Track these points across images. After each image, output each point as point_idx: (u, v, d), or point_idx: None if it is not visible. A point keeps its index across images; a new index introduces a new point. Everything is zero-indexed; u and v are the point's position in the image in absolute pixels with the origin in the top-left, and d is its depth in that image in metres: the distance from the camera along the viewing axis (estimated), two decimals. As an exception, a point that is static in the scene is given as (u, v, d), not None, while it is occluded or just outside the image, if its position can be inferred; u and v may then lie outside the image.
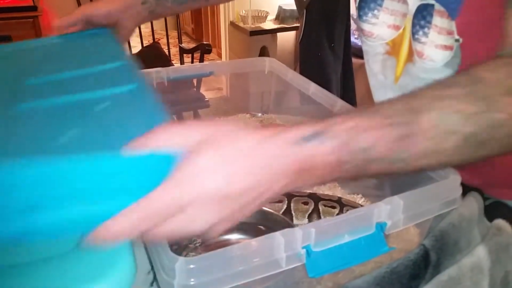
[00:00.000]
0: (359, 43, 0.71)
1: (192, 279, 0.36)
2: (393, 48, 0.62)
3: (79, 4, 2.14)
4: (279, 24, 2.75)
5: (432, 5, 0.55)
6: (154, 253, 0.39)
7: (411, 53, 0.59)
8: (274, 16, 2.87)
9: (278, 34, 2.73)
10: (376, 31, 0.63)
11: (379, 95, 0.70)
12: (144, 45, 2.40)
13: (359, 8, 0.65)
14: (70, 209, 0.29)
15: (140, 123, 0.38)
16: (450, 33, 0.54)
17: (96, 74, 0.52)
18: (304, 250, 0.40)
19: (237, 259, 0.37)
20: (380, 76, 0.66)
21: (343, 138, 0.32)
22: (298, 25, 1.80)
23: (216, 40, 3.66)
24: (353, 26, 1.61)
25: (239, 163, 0.30)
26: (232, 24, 2.95)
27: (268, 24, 2.79)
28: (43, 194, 0.28)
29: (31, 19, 2.02)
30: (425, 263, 0.53)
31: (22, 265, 0.36)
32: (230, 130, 0.32)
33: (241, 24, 2.83)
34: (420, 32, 0.57)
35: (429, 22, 0.56)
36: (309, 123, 0.33)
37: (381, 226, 0.43)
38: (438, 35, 0.55)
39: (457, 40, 0.54)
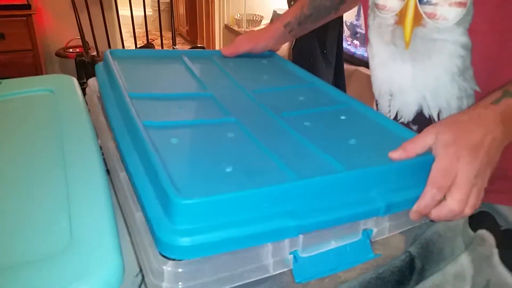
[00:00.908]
0: (352, 49, 0.73)
1: (180, 283, 0.36)
2: (401, 17, 0.64)
3: (74, 8, 2.14)
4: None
5: None
6: (143, 255, 0.39)
7: (418, 17, 0.62)
8: (268, 21, 2.88)
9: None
10: (388, 3, 0.66)
11: (384, 72, 0.72)
12: (138, 46, 2.39)
13: None
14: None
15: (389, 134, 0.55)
16: None
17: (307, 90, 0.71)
18: (292, 255, 0.41)
19: (225, 263, 0.38)
20: (392, 46, 0.68)
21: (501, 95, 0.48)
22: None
23: (210, 43, 3.66)
24: (345, 32, 1.62)
25: (473, 136, 0.45)
26: (226, 27, 2.96)
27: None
28: None
29: (25, 17, 2.01)
30: (410, 269, 0.54)
31: (8, 266, 0.37)
32: (453, 122, 0.47)
33: (235, 28, 2.84)
34: None
35: None
36: (494, 91, 0.49)
37: (367, 233, 0.44)
38: None
39: None
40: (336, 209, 0.41)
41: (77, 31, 2.31)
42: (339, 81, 1.60)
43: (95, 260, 0.38)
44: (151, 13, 3.97)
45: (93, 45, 2.31)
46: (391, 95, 0.72)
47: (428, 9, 0.60)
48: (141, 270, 0.47)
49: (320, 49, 1.48)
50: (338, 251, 0.43)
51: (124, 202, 0.47)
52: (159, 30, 2.40)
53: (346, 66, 1.91)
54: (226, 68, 0.76)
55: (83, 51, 2.26)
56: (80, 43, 2.35)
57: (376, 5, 0.69)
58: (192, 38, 4.27)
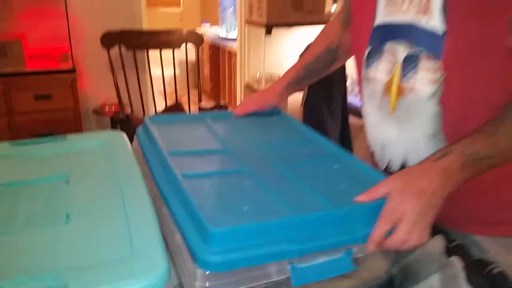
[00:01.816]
0: (360, 104, 0.90)
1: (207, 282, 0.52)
2: (387, 88, 0.80)
3: (112, 71, 2.42)
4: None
5: (420, 51, 0.73)
6: (184, 269, 0.54)
7: (401, 90, 0.77)
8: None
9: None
10: (377, 76, 0.82)
11: (376, 130, 0.87)
12: (168, 105, 2.63)
13: (367, 60, 0.84)
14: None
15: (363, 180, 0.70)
16: (436, 70, 0.71)
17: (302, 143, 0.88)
18: (290, 265, 0.55)
19: (243, 272, 0.54)
20: (380, 111, 0.83)
21: (460, 151, 0.62)
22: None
23: (232, 100, 3.92)
24: (356, 88, 1.81)
25: (418, 185, 0.60)
26: (247, 85, 3.21)
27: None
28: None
29: (70, 80, 2.29)
30: (390, 286, 0.67)
31: (89, 265, 0.52)
32: (405, 173, 0.63)
33: (255, 86, 3.08)
34: (410, 73, 0.75)
35: (417, 64, 0.74)
36: (441, 149, 0.64)
37: (349, 252, 0.59)
38: (427, 73, 0.72)
39: (442, 75, 0.71)
40: (326, 237, 0.56)
41: (112, 90, 2.58)
42: (345, 134, 1.78)
43: (149, 266, 0.53)
44: (178, 73, 4.29)
45: (127, 103, 2.57)
46: (382, 149, 0.87)
47: (409, 84, 0.75)
48: (179, 282, 0.62)
49: (327, 107, 1.67)
50: (326, 264, 0.57)
51: (167, 229, 0.63)
52: (186, 88, 2.64)
53: (355, 121, 2.08)
54: (241, 126, 0.95)
55: (119, 109, 2.52)
56: (114, 101, 2.61)
57: (367, 77, 0.86)
58: (215, 95, 4.56)
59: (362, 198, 0.62)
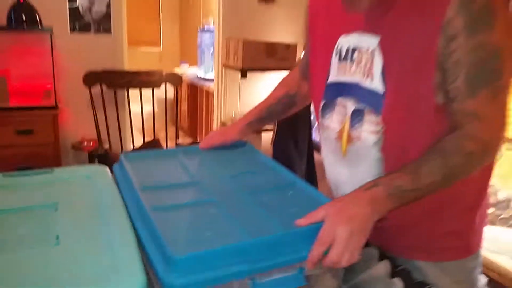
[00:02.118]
0: None
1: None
2: (339, 136, 0.93)
3: (93, 108, 2.51)
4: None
5: (365, 107, 0.87)
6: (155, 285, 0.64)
7: (350, 138, 0.90)
8: (260, 118, 3.28)
9: (262, 134, 3.12)
10: (331, 125, 0.95)
11: (332, 170, 1.00)
12: (146, 141, 2.72)
13: (322, 111, 0.98)
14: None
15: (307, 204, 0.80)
16: (377, 123, 0.85)
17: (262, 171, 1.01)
18: (251, 281, 0.66)
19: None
20: (334, 154, 0.96)
21: (387, 184, 0.73)
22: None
23: (208, 136, 4.03)
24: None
25: (349, 211, 0.71)
26: (223, 123, 3.35)
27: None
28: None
29: (51, 116, 2.38)
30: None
31: (81, 279, 0.61)
32: (339, 200, 0.74)
33: (230, 124, 3.22)
34: (357, 124, 0.89)
35: (363, 117, 0.88)
36: (371, 181, 0.75)
37: (301, 269, 0.69)
38: (370, 125, 0.86)
39: (382, 128, 0.85)
40: (278, 256, 0.67)
41: (91, 126, 2.66)
42: (310, 169, 1.93)
43: (129, 283, 0.62)
44: (157, 110, 4.41)
45: (106, 139, 2.65)
46: (336, 187, 1.00)
47: (356, 133, 0.89)
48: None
49: (294, 144, 1.82)
50: (282, 279, 0.67)
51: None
52: (164, 125, 2.75)
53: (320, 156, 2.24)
54: (210, 159, 1.07)
55: (97, 144, 2.59)
56: (93, 137, 2.69)
57: (323, 123, 0.99)
58: (192, 132, 4.68)
59: (301, 222, 0.72)
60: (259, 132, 2.98)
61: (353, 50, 0.88)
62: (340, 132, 0.93)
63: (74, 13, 2.68)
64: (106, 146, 2.64)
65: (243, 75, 2.96)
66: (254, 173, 0.99)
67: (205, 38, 4.58)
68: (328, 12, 0.95)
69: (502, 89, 0.76)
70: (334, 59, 0.93)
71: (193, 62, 5.25)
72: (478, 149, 0.77)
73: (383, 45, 0.82)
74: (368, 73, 0.85)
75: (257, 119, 1.16)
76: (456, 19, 0.73)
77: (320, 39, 0.98)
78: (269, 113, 1.17)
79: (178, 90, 2.90)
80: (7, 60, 2.48)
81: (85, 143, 2.70)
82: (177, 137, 2.84)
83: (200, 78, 4.49)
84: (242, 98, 3.25)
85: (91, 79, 2.58)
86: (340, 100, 0.92)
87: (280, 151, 1.84)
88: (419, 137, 0.82)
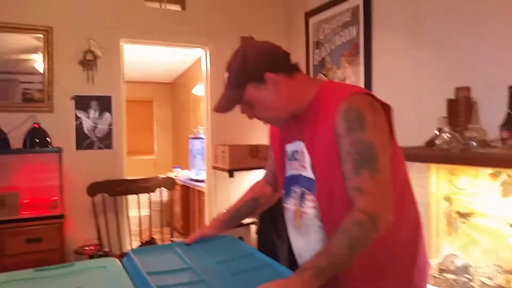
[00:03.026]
0: None
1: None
2: (295, 214, 1.23)
3: (95, 215, 2.78)
4: (252, 219, 3.40)
5: (305, 190, 1.17)
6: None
7: (300, 214, 1.20)
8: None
9: (251, 226, 3.36)
10: (290, 207, 1.25)
11: (294, 241, 1.27)
12: (143, 240, 2.95)
13: (284, 198, 1.29)
14: None
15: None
16: (314, 201, 1.14)
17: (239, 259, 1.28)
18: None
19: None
20: (293, 230, 1.26)
21: (313, 266, 0.95)
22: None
23: (202, 235, 4.22)
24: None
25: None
26: (215, 221, 3.59)
27: (245, 220, 3.45)
28: None
29: (58, 224, 2.63)
30: None
31: None
32: (278, 282, 0.97)
33: (222, 221, 3.47)
34: (303, 203, 1.17)
35: (305, 198, 1.16)
36: (302, 265, 0.99)
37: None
38: (310, 203, 1.15)
39: (317, 204, 1.13)
40: None
41: (92, 231, 2.90)
42: (292, 253, 2.17)
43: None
44: (152, 213, 4.66)
45: (106, 242, 2.87)
46: (299, 256, 1.27)
47: (303, 210, 1.19)
48: None
49: (275, 232, 2.08)
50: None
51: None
52: (160, 226, 3.00)
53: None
54: (201, 250, 1.35)
55: (98, 248, 2.81)
56: (94, 241, 2.92)
57: (285, 207, 1.30)
58: (186, 231, 4.88)
59: None
60: (240, 226, 3.23)
61: (295, 152, 1.21)
62: (296, 211, 1.23)
63: (80, 134, 3.07)
64: (106, 249, 2.86)
65: (231, 175, 3.30)
66: (236, 259, 1.28)
67: (196, 145, 5.02)
68: (279, 131, 1.31)
69: (380, 171, 1.01)
70: (286, 160, 1.27)
71: (185, 166, 5.64)
72: (366, 218, 0.97)
73: (307, 147, 1.15)
74: (303, 167, 1.17)
75: (228, 219, 1.48)
76: (340, 124, 1.05)
77: (277, 150, 1.33)
78: (238, 213, 1.49)
79: (172, 192, 3.20)
80: (20, 177, 2.80)
81: (86, 248, 2.91)
82: (172, 236, 3.08)
83: (192, 180, 4.83)
84: (231, 196, 3.55)
85: (94, 189, 2.89)
86: (293, 188, 1.24)
87: (264, 240, 2.09)
88: (343, 207, 1.06)
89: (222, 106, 1.18)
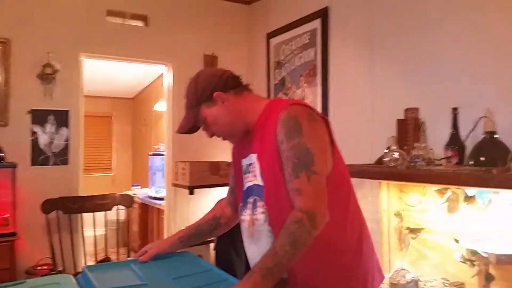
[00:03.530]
0: None
1: None
2: (249, 223, 1.27)
3: (49, 233, 2.69)
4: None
5: (256, 199, 1.24)
6: None
7: (253, 221, 1.25)
8: (209, 231, 3.54)
9: (210, 244, 3.35)
10: (245, 218, 1.30)
11: (247, 250, 1.32)
12: (98, 260, 2.87)
13: (241, 210, 1.33)
14: None
15: None
16: (263, 206, 1.21)
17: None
18: None
19: None
20: (247, 239, 1.31)
21: (259, 268, 1.02)
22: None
23: (160, 253, 4.15)
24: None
25: None
26: (174, 239, 3.56)
27: (204, 238, 3.45)
28: None
29: (9, 243, 2.52)
30: None
31: None
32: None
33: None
34: (255, 210, 1.24)
35: (257, 204, 1.23)
36: (252, 269, 1.04)
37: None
38: (260, 208, 1.22)
39: (265, 209, 1.20)
40: None
41: (46, 250, 2.80)
42: (249, 268, 2.21)
43: None
44: (109, 232, 4.53)
45: (60, 262, 2.78)
46: (251, 262, 1.30)
47: (255, 216, 1.25)
48: None
49: (233, 249, 2.11)
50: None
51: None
52: (116, 246, 2.94)
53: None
54: (156, 266, 1.35)
55: (51, 268, 2.72)
56: (47, 261, 2.82)
57: (242, 219, 1.34)
58: (145, 250, 4.77)
59: None
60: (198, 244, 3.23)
61: (249, 165, 1.29)
62: (249, 220, 1.29)
63: (36, 149, 2.98)
64: (60, 268, 2.76)
65: (191, 192, 3.30)
66: (193, 275, 1.29)
67: (156, 161, 4.97)
68: (237, 149, 1.39)
69: (316, 173, 1.10)
70: (243, 174, 1.33)
71: (144, 184, 5.55)
72: (304, 216, 1.05)
73: (258, 158, 1.24)
74: (255, 177, 1.25)
75: (187, 236, 1.49)
76: (280, 131, 1.15)
77: (236, 166, 1.39)
78: (198, 231, 1.51)
79: (130, 210, 3.15)
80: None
81: (39, 267, 2.80)
82: (128, 256, 3.02)
83: (151, 197, 4.76)
84: (190, 213, 3.54)
85: (48, 206, 2.81)
86: (248, 200, 1.30)
87: (222, 257, 2.11)
88: (289, 210, 1.11)
89: (183, 127, 1.30)
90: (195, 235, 1.49)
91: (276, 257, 1.03)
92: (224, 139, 1.33)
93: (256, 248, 1.26)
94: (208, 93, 1.25)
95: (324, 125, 1.23)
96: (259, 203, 1.24)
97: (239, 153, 1.36)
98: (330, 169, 1.20)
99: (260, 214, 1.23)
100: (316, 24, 3.09)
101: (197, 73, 1.33)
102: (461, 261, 1.90)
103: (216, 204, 1.57)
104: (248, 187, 1.30)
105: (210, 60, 3.74)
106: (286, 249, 1.03)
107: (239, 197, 1.37)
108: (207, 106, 1.26)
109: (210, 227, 1.50)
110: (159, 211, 4.33)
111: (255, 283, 1.00)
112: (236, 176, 1.40)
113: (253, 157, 1.26)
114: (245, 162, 1.31)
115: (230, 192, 1.51)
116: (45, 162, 3.00)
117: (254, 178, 1.26)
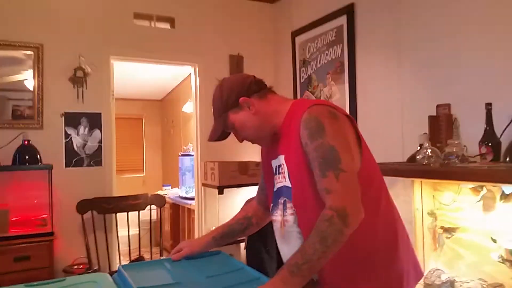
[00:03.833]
0: None
1: None
2: (281, 224, 1.28)
3: (84, 233, 2.78)
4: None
5: (285, 200, 1.25)
6: None
7: (284, 222, 1.26)
8: (238, 230, 3.56)
9: (240, 244, 3.37)
10: (277, 218, 1.31)
11: (281, 249, 1.33)
12: (132, 259, 2.94)
13: (272, 210, 1.35)
14: None
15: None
16: (292, 208, 1.22)
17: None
18: None
19: None
20: (279, 239, 1.31)
21: (288, 265, 1.05)
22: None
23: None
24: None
25: None
26: (204, 238, 3.60)
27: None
28: None
29: (47, 242, 2.61)
30: None
31: None
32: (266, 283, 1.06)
33: (211, 238, 3.48)
34: (285, 211, 1.25)
35: (287, 206, 1.24)
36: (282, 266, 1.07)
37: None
38: (290, 210, 1.23)
39: (294, 210, 1.21)
40: None
41: (82, 250, 2.89)
42: (279, 267, 2.21)
43: None
44: (142, 231, 4.63)
45: (95, 261, 2.86)
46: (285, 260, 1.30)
47: (286, 218, 1.26)
48: None
49: (264, 248, 2.11)
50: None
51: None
52: (149, 246, 3.00)
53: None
54: (189, 266, 1.37)
55: (87, 267, 2.80)
56: (83, 260, 2.91)
57: (273, 220, 1.35)
58: (176, 249, 4.85)
59: None
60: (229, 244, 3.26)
61: (278, 166, 1.30)
62: (280, 221, 1.30)
63: (70, 151, 3.08)
64: (95, 267, 2.84)
65: (220, 192, 3.32)
66: (226, 273, 1.30)
67: (185, 162, 5.04)
68: (266, 150, 1.41)
69: (344, 170, 1.09)
70: (274, 175, 1.34)
71: (174, 184, 5.64)
72: (334, 214, 1.04)
73: (286, 159, 1.25)
74: (284, 177, 1.27)
75: (220, 235, 1.51)
76: (303, 133, 1.15)
77: (266, 167, 1.41)
78: (230, 230, 1.52)
79: (162, 210, 3.20)
80: (10, 194, 2.79)
81: (76, 266, 2.89)
82: (161, 256, 3.07)
83: (182, 197, 4.83)
84: (220, 213, 3.57)
85: (83, 207, 2.90)
86: (279, 200, 1.31)
87: (253, 256, 2.12)
88: (317, 212, 1.10)
89: (213, 135, 1.33)
90: (228, 235, 1.51)
91: (305, 255, 1.04)
92: (254, 143, 1.35)
93: (287, 248, 1.27)
94: (233, 99, 1.28)
95: (348, 122, 1.22)
96: (289, 205, 1.25)
97: (268, 154, 1.38)
98: (358, 167, 1.18)
99: (290, 216, 1.24)
100: (342, 20, 3.05)
101: (220, 81, 1.35)
102: (499, 261, 1.84)
103: (245, 204, 1.58)
104: (278, 188, 1.31)
105: (236, 60, 3.76)
106: (316, 247, 1.03)
107: (270, 197, 1.38)
108: (234, 112, 1.29)
109: (241, 226, 1.52)
110: (190, 211, 4.38)
111: (283, 279, 1.02)
112: (265, 176, 1.42)
113: (281, 159, 1.27)
114: (274, 163, 1.33)
115: (260, 192, 1.52)
116: (79, 164, 3.10)
117: (283, 180, 1.27)
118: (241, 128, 1.30)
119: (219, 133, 1.31)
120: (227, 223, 1.53)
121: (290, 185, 1.24)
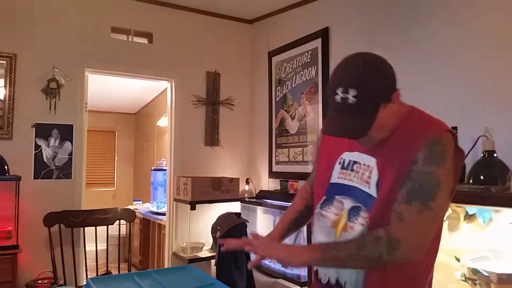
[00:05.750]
0: (272, 265, 1.34)
1: None
2: (335, 224, 1.16)
3: (51, 247, 2.69)
4: (213, 252, 3.40)
5: (359, 207, 1.11)
6: None
7: (345, 227, 1.12)
8: (209, 246, 3.54)
9: (211, 260, 3.34)
10: (328, 215, 1.19)
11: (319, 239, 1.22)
12: (100, 274, 2.87)
13: (322, 204, 1.22)
14: None
15: None
16: (365, 218, 1.09)
17: None
18: None
19: None
20: (325, 238, 1.18)
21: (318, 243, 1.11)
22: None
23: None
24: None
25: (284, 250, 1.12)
26: (174, 254, 3.55)
27: (204, 253, 3.44)
28: None
29: (11, 255, 2.52)
30: None
31: None
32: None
33: (181, 254, 3.44)
34: (354, 218, 1.11)
35: (358, 214, 1.10)
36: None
37: None
38: (362, 219, 1.09)
39: (367, 222, 1.08)
40: None
41: (47, 264, 2.81)
42: (249, 283, 2.21)
43: None
44: (104, 247, 4.52)
45: (61, 275, 2.77)
46: (324, 268, 1.20)
47: (351, 224, 1.12)
48: None
49: (234, 265, 2.12)
50: None
51: None
52: (117, 261, 2.94)
53: (267, 278, 2.51)
54: (159, 279, 1.37)
55: (52, 281, 2.71)
56: (48, 274, 2.82)
57: (321, 213, 1.24)
58: (144, 266, 4.75)
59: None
60: (200, 260, 3.22)
61: (354, 163, 1.18)
62: (336, 221, 1.17)
63: (39, 162, 3.01)
64: (61, 282, 2.76)
65: (193, 207, 3.30)
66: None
67: (158, 176, 4.99)
68: (332, 137, 1.16)
69: (431, 209, 1.00)
70: (337, 166, 1.23)
71: (145, 199, 5.56)
72: (385, 237, 0.99)
73: (378, 165, 1.11)
74: (367, 182, 1.13)
75: (285, 230, 1.38)
76: (422, 152, 1.03)
77: (326, 152, 1.30)
78: (294, 224, 1.40)
79: (132, 225, 3.15)
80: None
81: (40, 281, 2.80)
82: (129, 271, 3.01)
83: (153, 212, 4.76)
84: (192, 229, 3.54)
85: (50, 219, 2.82)
86: (338, 198, 1.19)
87: (222, 271, 2.11)
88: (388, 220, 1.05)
89: (355, 131, 1.05)
90: (291, 230, 1.39)
91: (338, 245, 1.05)
92: (361, 144, 1.16)
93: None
94: (392, 91, 1.05)
95: (462, 160, 1.12)
96: (363, 214, 1.11)
97: (337, 143, 1.23)
98: (446, 210, 1.10)
99: (359, 225, 1.11)
100: (317, 43, 3.15)
101: (372, 55, 1.10)
102: (462, 280, 1.90)
103: (301, 192, 1.45)
104: (341, 184, 1.20)
105: (213, 77, 3.80)
106: (350, 247, 1.02)
107: (320, 186, 1.27)
108: (383, 106, 1.04)
109: (304, 218, 1.40)
110: (161, 226, 4.32)
111: (311, 249, 1.07)
112: (321, 162, 1.31)
113: (370, 161, 1.14)
114: (348, 156, 1.20)
115: (312, 182, 1.40)
116: (48, 176, 3.03)
117: (361, 182, 1.15)
118: (379, 129, 1.07)
119: (369, 127, 1.04)
120: (288, 217, 1.40)
121: (373, 194, 1.10)
